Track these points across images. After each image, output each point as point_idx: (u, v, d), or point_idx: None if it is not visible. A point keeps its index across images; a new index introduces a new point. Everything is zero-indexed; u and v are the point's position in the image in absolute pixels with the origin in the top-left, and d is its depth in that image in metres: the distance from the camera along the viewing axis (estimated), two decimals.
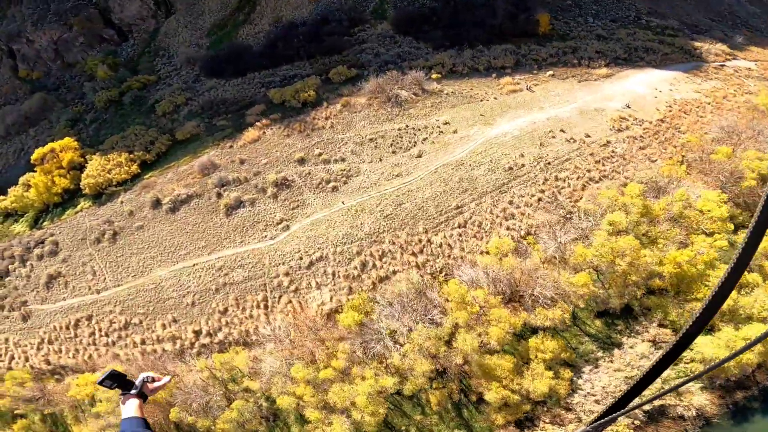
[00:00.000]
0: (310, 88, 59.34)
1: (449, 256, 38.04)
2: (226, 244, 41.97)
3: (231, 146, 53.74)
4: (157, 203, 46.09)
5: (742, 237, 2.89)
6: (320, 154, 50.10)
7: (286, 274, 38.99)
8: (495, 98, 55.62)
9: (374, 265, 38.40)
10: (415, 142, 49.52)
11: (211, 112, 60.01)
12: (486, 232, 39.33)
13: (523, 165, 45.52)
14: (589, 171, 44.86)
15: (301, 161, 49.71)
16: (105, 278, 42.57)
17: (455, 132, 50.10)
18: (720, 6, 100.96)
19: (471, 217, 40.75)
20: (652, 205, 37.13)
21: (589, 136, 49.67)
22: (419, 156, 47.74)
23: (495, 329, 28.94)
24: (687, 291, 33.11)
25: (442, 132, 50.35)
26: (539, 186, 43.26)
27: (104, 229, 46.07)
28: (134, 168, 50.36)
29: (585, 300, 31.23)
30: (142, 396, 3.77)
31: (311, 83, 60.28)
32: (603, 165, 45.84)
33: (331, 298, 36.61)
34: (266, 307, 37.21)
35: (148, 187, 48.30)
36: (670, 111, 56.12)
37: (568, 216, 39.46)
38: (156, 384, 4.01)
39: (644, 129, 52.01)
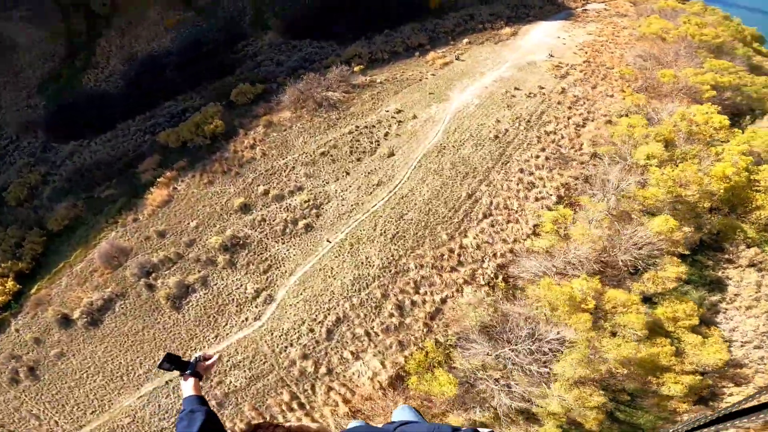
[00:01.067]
0: (213, 117, 45.99)
1: (495, 255, 30.12)
2: (195, 344, 27.78)
3: (136, 218, 38.01)
4: (66, 321, 29.33)
5: None
6: (267, 192, 37.89)
7: (304, 356, 26.77)
8: (432, 75, 49.49)
9: (414, 303, 28.49)
10: (378, 141, 40.52)
11: (84, 183, 42.66)
12: (518, 212, 32.42)
13: (506, 130, 39.86)
14: (569, 118, 41.15)
15: (246, 208, 36.95)
16: (57, 422, 26.34)
17: (415, 117, 42.43)
18: None
19: (491, 201, 33.45)
20: (662, 131, 34.29)
21: (543, 87, 46.40)
22: (391, 154, 38.91)
23: (630, 316, 22.00)
24: (743, 203, 30.45)
25: (400, 122, 42.21)
26: (537, 146, 37.98)
27: (14, 367, 28.88)
28: (10, 284, 32.32)
29: (681, 244, 26.23)
30: (198, 375, 3.70)
31: (212, 112, 46.89)
32: (576, 109, 42.68)
33: (383, 363, 25.80)
34: (302, 406, 24.70)
35: (43, 304, 30.81)
36: (586, 53, 56.42)
37: (584, 165, 34.81)
38: (207, 362, 3.88)
39: (581, 71, 50.82)
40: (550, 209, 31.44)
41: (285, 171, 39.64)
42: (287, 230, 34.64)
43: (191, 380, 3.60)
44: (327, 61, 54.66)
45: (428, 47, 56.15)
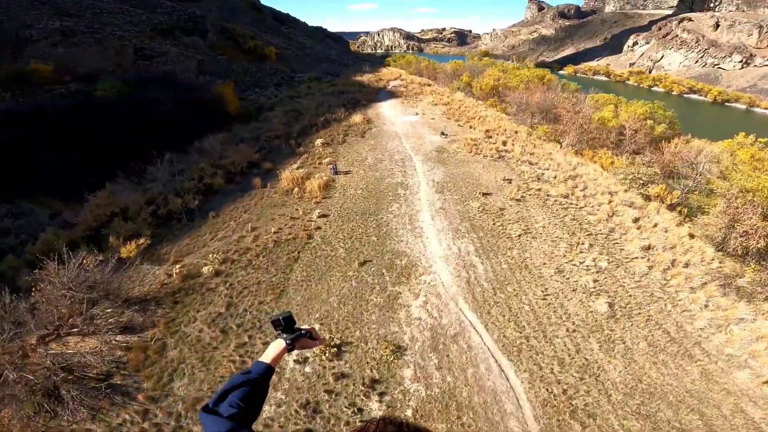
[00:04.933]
0: None
1: None
2: None
3: None
4: None
5: None
6: None
7: None
8: (322, 217, 22.14)
9: None
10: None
11: None
12: None
13: (601, 289, 16.22)
14: (608, 215, 21.26)
15: None
16: None
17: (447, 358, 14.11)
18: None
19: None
20: None
21: (509, 180, 25.64)
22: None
23: None
24: None
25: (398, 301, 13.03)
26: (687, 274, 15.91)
27: None
28: None
29: None
30: (292, 346, 2.59)
31: None
32: (594, 197, 23.48)
33: None
34: None
35: None
36: (470, 124, 41.09)
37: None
38: (310, 342, 2.66)
39: (504, 144, 33.56)
40: None
41: None
42: None
43: (282, 346, 2.45)
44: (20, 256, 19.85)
45: (269, 165, 28.87)
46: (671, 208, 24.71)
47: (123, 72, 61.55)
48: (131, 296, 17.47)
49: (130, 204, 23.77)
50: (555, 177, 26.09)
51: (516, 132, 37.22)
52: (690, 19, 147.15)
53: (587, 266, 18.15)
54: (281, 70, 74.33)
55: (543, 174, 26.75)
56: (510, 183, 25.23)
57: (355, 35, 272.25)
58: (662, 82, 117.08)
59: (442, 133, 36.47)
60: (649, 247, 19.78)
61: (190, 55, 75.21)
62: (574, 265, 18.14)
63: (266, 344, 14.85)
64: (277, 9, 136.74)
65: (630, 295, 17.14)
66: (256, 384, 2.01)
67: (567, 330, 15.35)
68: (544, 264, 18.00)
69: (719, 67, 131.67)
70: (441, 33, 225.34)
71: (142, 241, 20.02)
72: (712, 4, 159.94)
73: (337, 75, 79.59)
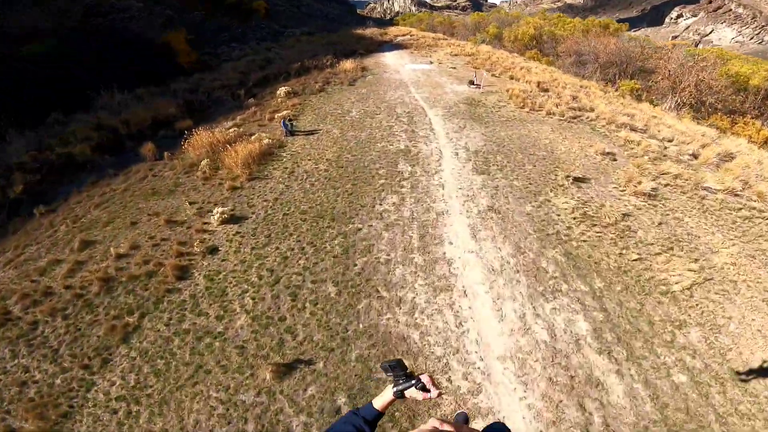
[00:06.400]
0: None
1: None
2: None
3: None
4: None
5: None
6: None
7: None
8: (254, 228, 10.89)
9: None
10: None
11: None
12: None
13: None
14: None
15: None
16: None
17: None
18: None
19: None
20: None
21: (612, 155, 14.21)
22: None
23: None
24: None
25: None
26: None
27: None
28: None
29: None
30: (402, 395, 2.29)
31: None
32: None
33: None
34: None
35: None
36: (510, 75, 28.77)
37: None
38: (421, 395, 2.20)
39: (573, 99, 21.64)
40: None
41: None
42: None
43: (390, 395, 2.20)
44: None
45: (188, 122, 17.20)
46: None
47: (67, 32, 50.26)
48: None
49: None
50: (694, 156, 13.98)
51: (582, 87, 24.86)
52: None
53: None
54: (270, 26, 61.80)
55: (666, 148, 14.64)
56: (615, 161, 13.26)
57: (364, 4, 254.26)
58: None
59: (471, 82, 24.29)
60: None
61: (156, 12, 63.02)
62: None
63: None
64: None
65: None
66: (362, 426, 2.02)
67: None
68: None
69: None
70: (455, 1, 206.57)
71: None
72: None
73: (335, 31, 66.95)
